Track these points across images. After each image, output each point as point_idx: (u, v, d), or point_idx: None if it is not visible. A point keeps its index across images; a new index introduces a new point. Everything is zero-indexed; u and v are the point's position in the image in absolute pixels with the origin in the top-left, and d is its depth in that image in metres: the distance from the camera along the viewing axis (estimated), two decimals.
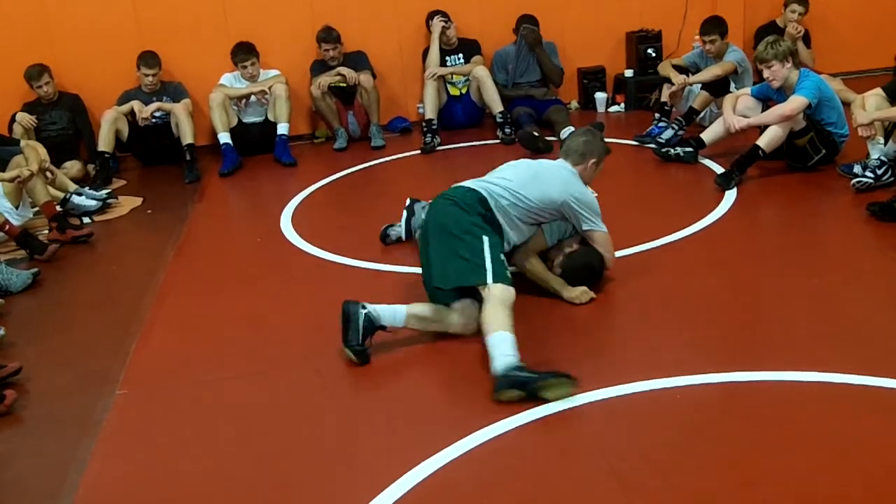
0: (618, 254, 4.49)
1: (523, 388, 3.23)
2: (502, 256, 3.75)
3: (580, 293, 4.07)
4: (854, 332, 3.62)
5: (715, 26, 6.59)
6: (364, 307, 3.71)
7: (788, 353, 3.50)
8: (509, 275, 3.70)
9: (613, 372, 3.41)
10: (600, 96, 7.92)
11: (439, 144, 7.06)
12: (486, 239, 3.72)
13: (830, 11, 8.10)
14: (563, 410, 3.17)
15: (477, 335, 3.61)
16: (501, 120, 7.13)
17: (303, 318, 4.31)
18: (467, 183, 4.05)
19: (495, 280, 3.59)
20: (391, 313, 3.77)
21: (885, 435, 2.93)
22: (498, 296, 3.54)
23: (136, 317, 4.33)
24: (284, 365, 3.77)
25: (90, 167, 7.03)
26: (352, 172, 6.67)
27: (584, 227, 4.09)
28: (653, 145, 6.41)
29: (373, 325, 3.72)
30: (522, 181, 4.02)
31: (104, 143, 6.89)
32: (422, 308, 3.83)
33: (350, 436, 3.20)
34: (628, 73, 7.92)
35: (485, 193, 3.93)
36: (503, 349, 3.33)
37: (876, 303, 3.91)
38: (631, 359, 3.58)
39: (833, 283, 4.09)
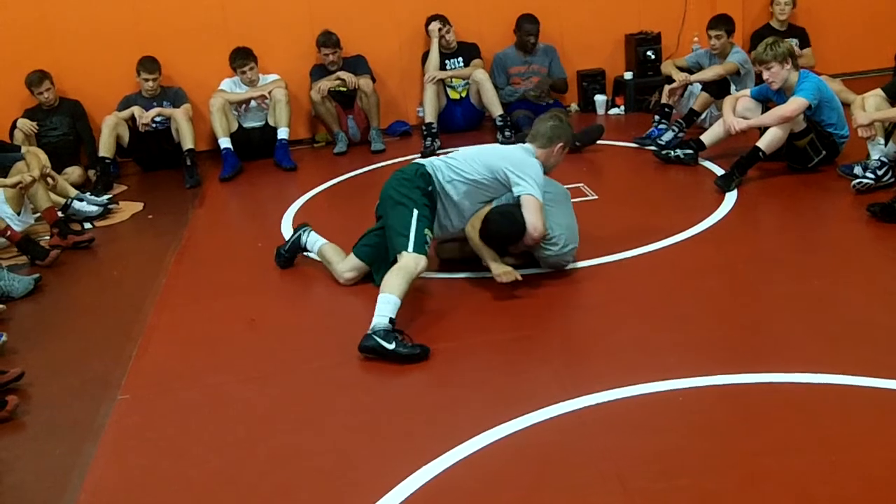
0: (621, 256, 4.55)
1: (375, 353, 3.66)
2: (426, 230, 4.10)
3: (504, 272, 4.15)
4: (855, 334, 3.62)
5: (722, 22, 6.62)
6: (305, 231, 4.74)
7: (790, 354, 3.50)
8: (427, 248, 4.08)
9: (615, 374, 3.40)
10: (600, 99, 7.92)
11: (439, 148, 7.06)
12: (416, 212, 4.11)
13: (829, 12, 8.10)
14: (566, 413, 3.17)
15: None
16: (501, 123, 7.13)
17: (304, 322, 4.34)
18: (419, 159, 4.45)
19: (413, 250, 3.99)
20: (314, 241, 4.69)
21: (886, 436, 2.92)
22: (404, 264, 3.94)
23: (137, 322, 4.33)
24: (286, 369, 3.78)
25: (91, 173, 7.04)
26: (352, 176, 6.68)
27: (517, 191, 4.17)
28: (653, 147, 6.41)
29: (299, 243, 4.73)
30: (466, 157, 4.36)
31: (105, 148, 6.90)
32: (329, 249, 4.60)
33: (353, 439, 3.20)
34: (628, 75, 7.92)
35: (429, 169, 4.30)
36: (383, 310, 3.74)
37: (877, 304, 3.90)
38: (632, 360, 3.57)
39: (834, 285, 4.10)
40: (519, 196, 4.17)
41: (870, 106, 5.30)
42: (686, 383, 3.31)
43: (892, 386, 3.16)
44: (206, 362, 3.90)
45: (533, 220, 4.10)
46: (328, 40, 7.30)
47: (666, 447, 2.96)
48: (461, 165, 4.33)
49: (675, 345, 3.66)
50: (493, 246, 4.29)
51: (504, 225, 4.18)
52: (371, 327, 3.70)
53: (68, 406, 3.62)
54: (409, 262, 3.96)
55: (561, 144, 4.43)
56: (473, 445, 3.02)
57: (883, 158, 5.19)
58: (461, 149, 4.50)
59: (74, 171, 6.87)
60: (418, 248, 4.02)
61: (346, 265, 4.48)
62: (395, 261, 4.04)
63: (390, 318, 3.74)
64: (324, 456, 3.12)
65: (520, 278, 4.15)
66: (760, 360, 3.46)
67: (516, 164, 4.23)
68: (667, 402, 3.23)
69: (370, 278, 4.43)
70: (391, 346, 3.63)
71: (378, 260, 4.38)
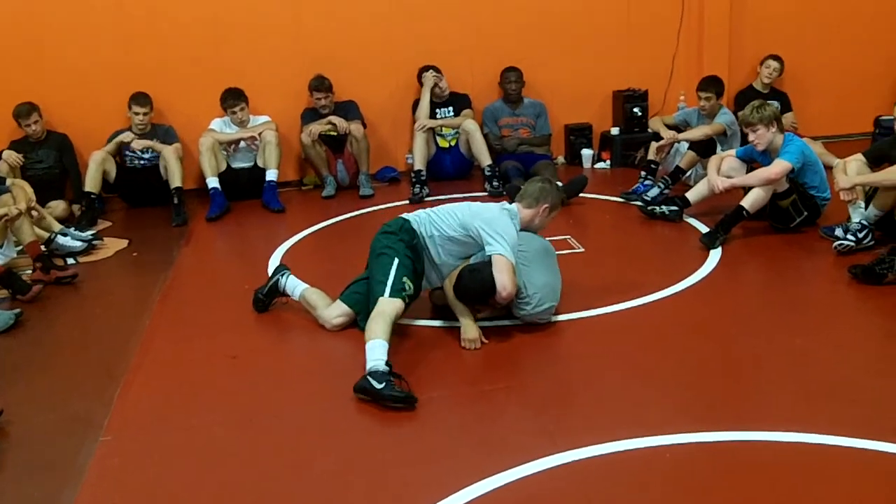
0: (608, 309, 4.58)
1: (366, 392, 3.70)
2: (404, 279, 4.18)
3: (470, 340, 4.21)
4: (837, 394, 3.65)
5: (712, 84, 6.77)
6: (284, 274, 4.73)
7: (773, 413, 3.52)
8: (406, 294, 4.17)
9: (603, 428, 3.40)
10: (586, 152, 8.02)
11: (428, 195, 7.10)
12: (396, 260, 4.22)
13: (811, 77, 8.30)
14: (556, 467, 3.16)
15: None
16: (490, 173, 7.20)
17: (288, 365, 4.32)
18: (405, 214, 4.51)
19: (389, 294, 4.09)
20: (294, 286, 4.68)
21: (867, 497, 2.94)
22: (381, 309, 4.03)
23: (120, 361, 4.29)
24: (271, 413, 3.75)
25: (75, 207, 7.01)
26: (340, 221, 6.70)
27: (488, 250, 4.21)
28: (639, 202, 6.49)
29: (277, 288, 4.71)
30: (446, 212, 4.43)
31: (91, 183, 6.89)
32: (312, 294, 4.60)
33: (339, 486, 3.17)
34: (614, 130, 8.05)
35: (413, 224, 4.42)
36: (374, 354, 3.81)
37: (860, 365, 3.94)
38: (619, 415, 3.57)
39: (816, 344, 4.14)
40: (490, 255, 4.21)
41: (851, 170, 5.40)
42: (672, 440, 3.31)
43: (873, 447, 3.18)
44: (190, 404, 3.86)
45: (502, 279, 4.12)
46: (321, 85, 7.37)
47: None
48: (440, 221, 4.41)
49: (660, 400, 3.68)
50: (467, 302, 4.33)
51: (475, 283, 4.23)
52: (367, 370, 3.76)
53: (49, 446, 3.55)
54: (386, 307, 4.05)
55: (546, 206, 4.50)
56: (463, 497, 3.00)
57: (864, 221, 5.28)
58: (446, 205, 4.53)
59: (59, 206, 6.84)
60: (394, 293, 4.11)
61: (335, 311, 4.48)
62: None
63: (386, 361, 3.78)
64: (314, 501, 3.09)
65: (485, 341, 4.23)
66: (744, 418, 3.47)
67: (488, 223, 4.25)
68: (653, 458, 3.22)
69: (356, 324, 4.44)
70: (380, 386, 3.67)
71: (366, 307, 4.38)
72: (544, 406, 3.72)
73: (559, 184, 6.79)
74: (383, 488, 3.15)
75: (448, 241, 4.39)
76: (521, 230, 4.46)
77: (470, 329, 4.25)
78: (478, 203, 4.50)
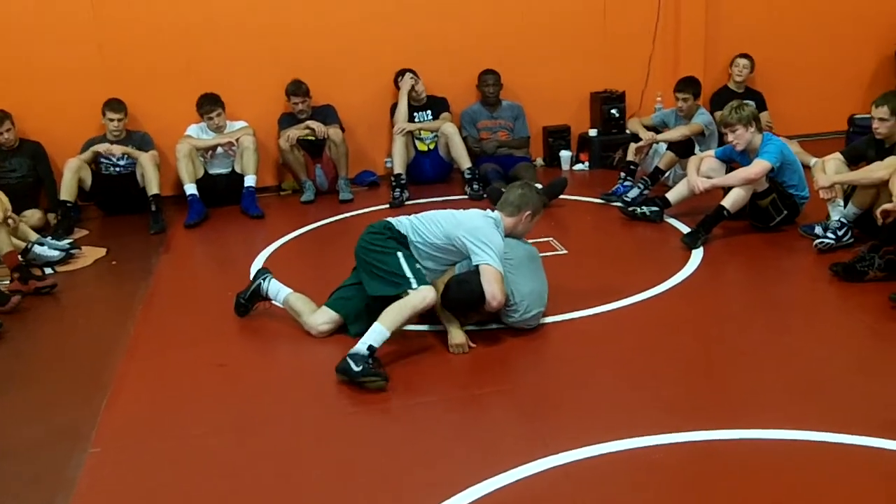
0: (594, 311, 4.59)
1: (347, 375, 3.81)
2: (418, 266, 4.22)
3: (457, 345, 4.21)
4: (827, 391, 3.69)
5: (689, 86, 6.81)
6: (266, 278, 4.68)
7: (764, 411, 3.54)
8: (428, 280, 4.19)
9: (594, 429, 3.41)
10: (565, 154, 8.05)
11: (408, 199, 7.09)
12: (399, 254, 4.23)
13: (786, 77, 8.38)
14: (550, 469, 3.17)
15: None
16: (469, 176, 7.20)
17: (277, 372, 4.30)
18: (389, 218, 4.52)
19: (418, 284, 4.10)
20: (276, 290, 4.64)
21: (858, 492, 2.98)
22: (409, 299, 4.06)
23: (105, 371, 4.24)
24: (265, 419, 3.72)
25: (51, 216, 6.92)
26: (320, 226, 6.67)
27: (475, 260, 4.21)
28: (619, 203, 6.52)
29: (259, 292, 4.66)
30: (430, 220, 4.41)
31: (67, 191, 6.80)
32: (296, 299, 4.55)
33: (336, 492, 3.15)
34: (592, 132, 8.08)
35: (397, 226, 4.41)
36: (367, 338, 3.91)
37: (846, 361, 4.00)
38: (609, 416, 3.59)
39: (803, 342, 4.19)
40: (477, 265, 4.21)
41: (830, 169, 5.47)
42: (663, 440, 3.32)
43: (863, 443, 3.22)
44: (180, 413, 3.82)
45: (492, 289, 4.13)
46: (298, 89, 7.33)
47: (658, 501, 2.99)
48: (423, 228, 4.40)
49: (649, 401, 3.69)
50: (455, 312, 4.33)
51: (463, 293, 4.22)
52: (350, 353, 3.87)
53: (37, 458, 3.50)
54: (416, 297, 4.08)
55: (528, 213, 4.49)
56: (458, 501, 2.99)
57: (843, 219, 5.34)
58: (430, 212, 4.51)
59: (34, 215, 6.74)
60: (422, 281, 4.14)
61: (322, 317, 4.46)
62: (381, 307, 4.12)
63: (370, 346, 3.88)
64: None
65: (472, 345, 4.23)
66: (734, 417, 3.49)
67: (472, 233, 4.24)
68: (645, 458, 3.23)
69: (344, 329, 4.42)
70: (357, 369, 3.80)
71: (353, 313, 4.39)
72: (535, 409, 3.73)
73: (539, 186, 6.82)
74: (378, 494, 3.14)
75: (432, 249, 4.38)
76: (506, 237, 4.45)
77: (457, 335, 4.25)
78: (461, 211, 4.48)
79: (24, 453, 3.56)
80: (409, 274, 4.16)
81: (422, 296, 4.08)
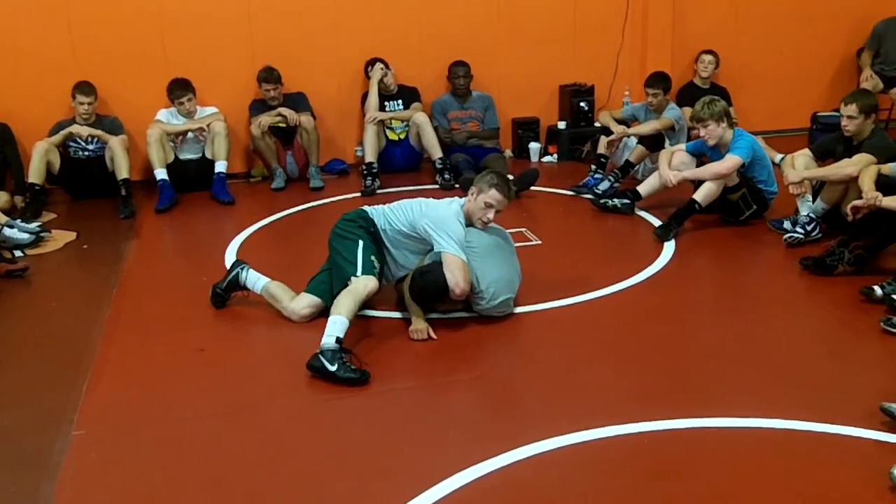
0: (571, 300, 4.67)
1: (319, 372, 3.82)
2: (372, 257, 4.32)
3: (418, 330, 4.27)
4: (800, 380, 3.80)
5: (660, 81, 6.90)
6: (243, 269, 4.68)
7: (739, 400, 3.62)
8: (376, 271, 4.30)
9: (577, 416, 3.48)
10: (534, 146, 8.12)
11: (379, 187, 7.10)
12: (361, 242, 4.35)
13: (750, 73, 8.55)
14: (538, 454, 3.22)
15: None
16: (441, 166, 7.23)
17: (259, 356, 4.33)
18: (365, 206, 4.64)
19: (361, 273, 4.21)
20: (255, 280, 4.65)
21: (833, 479, 3.08)
22: (353, 287, 4.15)
23: (84, 355, 4.21)
24: (247, 403, 3.74)
25: (18, 199, 6.81)
26: (292, 213, 6.65)
27: (436, 248, 4.30)
28: (590, 196, 6.60)
29: (237, 282, 4.66)
30: (399, 208, 4.52)
31: (35, 174, 6.69)
32: (275, 287, 4.58)
33: (326, 476, 3.18)
34: (561, 124, 8.15)
35: (370, 214, 4.53)
36: (331, 330, 3.92)
37: (818, 352, 4.12)
38: (590, 403, 3.65)
39: (776, 333, 4.30)
40: (438, 251, 4.27)
41: (799, 165, 5.60)
42: (639, 428, 3.39)
43: (836, 431, 3.33)
44: (162, 397, 3.81)
45: (454, 276, 4.18)
46: (270, 76, 7.30)
47: (626, 491, 3.05)
48: (392, 215, 4.50)
49: (625, 390, 3.77)
50: (422, 302, 4.37)
51: (427, 283, 4.27)
52: (320, 347, 3.87)
53: (20, 441, 3.47)
54: (359, 285, 4.17)
55: (474, 189, 4.47)
56: (450, 485, 3.04)
57: (812, 214, 5.48)
58: (403, 201, 4.59)
59: (1, 197, 6.63)
60: (366, 271, 4.25)
61: (303, 302, 4.47)
62: (344, 287, 4.20)
63: (337, 338, 3.90)
64: (300, 494, 3.08)
65: (434, 336, 4.27)
66: (710, 406, 3.57)
67: (434, 221, 4.31)
68: (623, 446, 3.30)
69: (325, 313, 4.43)
70: (333, 368, 3.79)
71: (334, 295, 4.38)
72: (518, 395, 3.79)
73: (510, 176, 6.87)
74: (372, 478, 3.17)
75: (399, 235, 4.47)
76: (471, 224, 4.49)
77: (418, 322, 4.33)
78: (430, 200, 4.52)
79: (10, 437, 3.53)
80: (358, 262, 4.27)
81: (363, 283, 4.18)
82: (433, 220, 4.31)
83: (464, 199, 4.55)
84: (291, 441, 3.44)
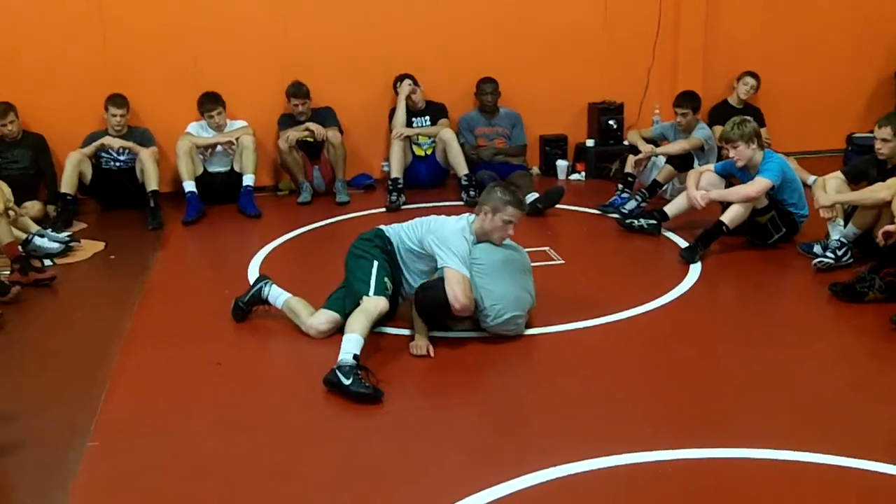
0: (591, 322, 4.62)
1: (334, 386, 3.83)
2: (385, 279, 4.35)
3: (417, 346, 4.28)
4: (823, 412, 3.70)
5: (688, 100, 6.84)
6: (266, 283, 4.72)
7: (760, 430, 3.53)
8: (388, 292, 4.33)
9: (594, 442, 3.42)
10: (561, 164, 8.08)
11: (404, 203, 7.10)
12: (376, 263, 4.38)
13: (784, 94, 8.45)
14: (552, 480, 3.17)
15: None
16: (466, 182, 7.22)
17: (275, 371, 4.33)
18: (382, 226, 4.68)
19: (373, 293, 4.24)
20: (277, 295, 4.68)
21: None
22: (365, 306, 4.19)
23: (103, 365, 4.23)
24: (260, 419, 3.73)
25: (50, 208, 6.91)
26: (316, 227, 6.67)
27: (439, 264, 4.31)
28: (616, 215, 6.54)
29: (260, 296, 4.69)
30: (413, 225, 4.56)
31: (67, 184, 6.79)
32: (296, 302, 4.61)
33: (334, 494, 3.16)
34: (589, 142, 8.11)
35: (387, 232, 4.58)
36: (347, 347, 3.95)
37: (843, 382, 4.01)
38: (608, 429, 3.58)
39: (800, 361, 4.20)
40: (441, 267, 4.28)
41: (831, 188, 5.50)
42: (655, 457, 3.31)
43: (858, 465, 3.23)
44: (177, 410, 3.82)
45: (453, 291, 4.17)
46: (299, 91, 7.34)
47: None
48: (404, 233, 4.55)
49: (644, 416, 3.70)
50: (427, 319, 4.36)
51: (427, 299, 4.28)
52: (337, 362, 3.88)
53: (35, 450, 3.49)
54: (370, 305, 4.20)
55: (486, 209, 4.40)
56: None
57: (842, 239, 5.37)
58: (418, 218, 4.62)
59: (34, 206, 6.73)
60: (378, 292, 4.27)
61: (321, 318, 4.48)
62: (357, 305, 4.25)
63: (354, 355, 3.92)
64: None
65: (432, 354, 4.26)
66: (729, 435, 3.49)
67: (440, 238, 4.33)
68: (638, 475, 3.23)
69: (342, 330, 4.42)
70: (347, 382, 3.80)
71: (347, 313, 4.37)
72: (530, 419, 3.74)
73: (535, 194, 6.85)
74: (372, 500, 3.13)
75: (409, 253, 4.51)
76: (482, 241, 4.45)
77: (420, 338, 4.33)
78: (440, 217, 4.54)
79: (26, 445, 3.54)
80: (371, 282, 4.30)
81: (374, 303, 4.21)
82: (438, 237, 4.34)
83: (472, 216, 4.51)
84: (298, 458, 3.42)
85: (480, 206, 4.45)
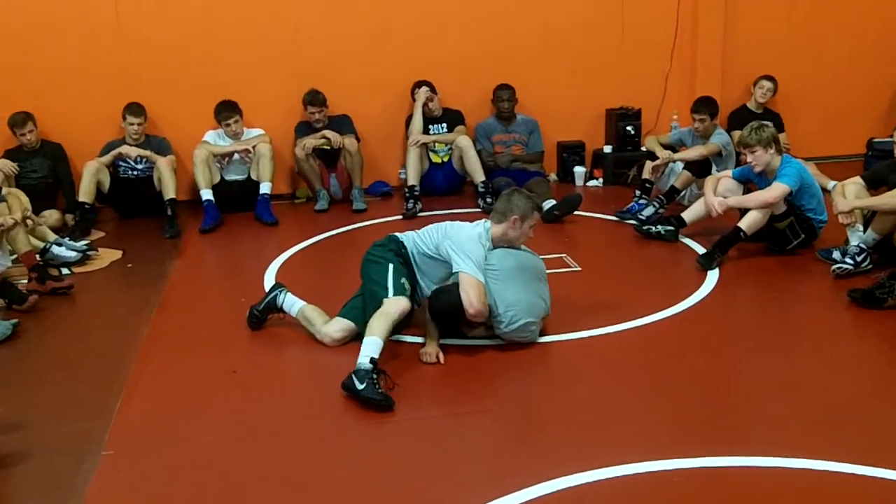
0: (608, 329, 4.59)
1: (349, 390, 3.85)
2: (403, 279, 4.35)
3: (427, 353, 4.28)
4: (842, 420, 3.65)
5: (706, 106, 6.79)
6: (281, 291, 4.72)
7: (778, 438, 3.50)
8: (408, 292, 4.32)
9: (609, 450, 3.39)
10: (579, 170, 8.05)
11: (421, 210, 7.10)
12: (391, 266, 4.38)
13: (803, 98, 8.38)
14: (565, 489, 3.15)
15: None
16: (483, 189, 7.20)
17: (290, 379, 4.33)
18: (396, 233, 4.67)
19: (393, 294, 4.25)
20: (291, 303, 4.68)
21: None
22: (385, 308, 4.19)
23: (119, 374, 4.25)
24: (276, 427, 3.73)
25: (68, 217, 6.96)
26: (333, 235, 6.68)
27: (455, 268, 4.30)
28: (633, 222, 6.50)
29: (275, 304, 4.69)
30: (428, 231, 4.55)
31: (85, 193, 6.84)
32: (310, 310, 4.60)
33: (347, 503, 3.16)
34: (607, 148, 8.08)
35: (401, 238, 4.57)
36: (366, 350, 3.97)
37: (862, 390, 3.96)
38: (624, 437, 3.56)
39: (819, 369, 4.15)
40: (456, 272, 4.28)
41: (850, 193, 5.44)
42: (673, 465, 3.29)
43: (878, 474, 3.18)
44: (192, 419, 3.82)
45: (467, 296, 4.17)
46: (315, 99, 7.36)
47: None
48: (420, 239, 4.54)
49: (664, 423, 3.67)
50: (441, 323, 4.37)
51: (440, 304, 4.28)
52: (355, 368, 3.89)
53: (49, 459, 3.50)
54: (391, 306, 4.20)
55: (515, 217, 4.41)
56: None
57: (862, 245, 5.31)
58: (433, 224, 4.63)
59: (52, 215, 6.79)
60: (397, 292, 4.28)
61: (336, 326, 4.47)
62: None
63: (371, 358, 3.93)
64: None
65: (442, 361, 4.25)
66: (747, 443, 3.45)
67: (456, 243, 4.33)
68: (657, 483, 3.20)
69: (358, 338, 4.42)
70: (360, 387, 3.82)
71: (367, 320, 4.36)
72: (546, 427, 3.72)
73: (553, 201, 6.83)
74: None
75: (424, 258, 4.50)
76: (499, 246, 4.46)
77: (430, 344, 4.34)
78: (456, 223, 4.55)
79: (40, 454, 3.55)
80: (389, 284, 4.29)
81: (394, 304, 4.21)
82: (454, 242, 4.35)
83: (489, 222, 4.51)
84: (313, 467, 3.42)
85: (505, 215, 4.43)
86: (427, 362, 4.25)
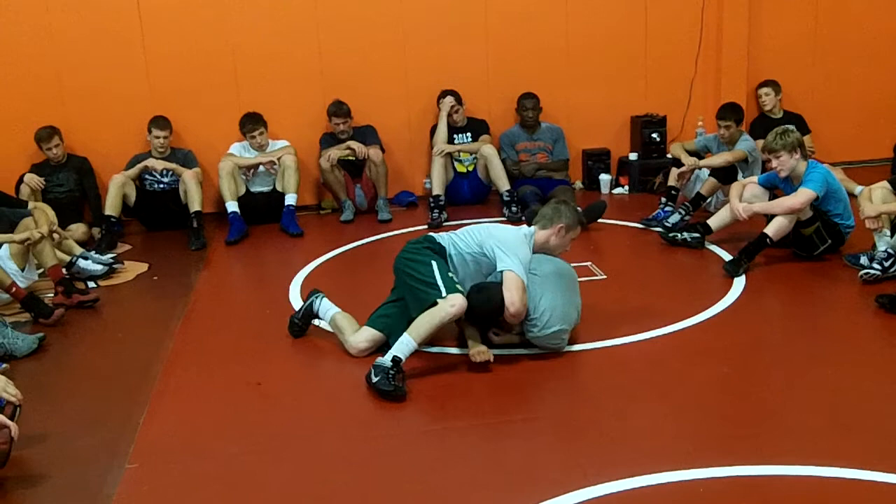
0: (634, 338, 4.55)
1: (368, 384, 3.97)
2: (450, 273, 4.28)
3: (478, 352, 4.24)
4: (873, 427, 3.59)
5: (731, 112, 6.74)
6: (318, 297, 4.73)
7: (809, 446, 3.45)
8: (459, 288, 4.21)
9: (635, 460, 3.37)
10: (604, 178, 8.01)
11: (446, 220, 7.09)
12: (434, 262, 4.29)
13: (829, 101, 8.29)
14: (589, 500, 3.12)
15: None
16: (508, 198, 7.19)
17: (315, 391, 4.31)
18: (430, 233, 4.67)
19: (447, 292, 4.14)
20: (326, 308, 4.68)
21: None
22: (437, 309, 4.11)
23: (144, 386, 4.27)
24: (298, 442, 3.71)
25: (95, 230, 7.03)
26: (359, 245, 6.69)
27: (499, 266, 4.27)
28: (659, 229, 6.46)
29: (312, 310, 4.71)
30: (467, 232, 4.54)
31: (111, 206, 6.90)
32: (342, 318, 4.59)
33: None
34: (633, 156, 8.03)
35: (437, 238, 4.52)
36: (397, 349, 4.03)
37: (889, 396, 3.89)
38: (649, 447, 3.53)
39: (848, 375, 4.09)
40: (501, 272, 4.25)
41: (877, 198, 5.38)
42: (705, 474, 3.26)
43: None
44: (216, 432, 3.83)
45: (510, 295, 4.15)
46: (339, 110, 7.39)
47: None
48: (460, 240, 4.51)
49: (690, 432, 3.64)
50: (476, 322, 4.36)
51: (480, 301, 4.24)
52: (377, 363, 4.02)
53: (74, 471, 3.53)
54: (446, 305, 4.12)
55: (561, 226, 4.50)
56: None
57: (889, 250, 5.23)
58: (467, 227, 4.62)
59: (79, 229, 6.86)
60: (451, 290, 4.17)
61: (361, 336, 4.47)
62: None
63: (395, 357, 3.99)
64: None
65: (491, 359, 4.23)
66: (778, 452, 3.41)
67: (503, 241, 4.33)
68: (687, 492, 3.18)
69: (385, 347, 4.41)
70: (375, 380, 3.95)
71: (396, 330, 4.36)
72: (573, 438, 3.68)
73: (578, 209, 6.78)
74: None
75: (464, 260, 4.46)
76: (538, 252, 4.48)
77: (476, 344, 4.31)
78: (498, 225, 4.59)
79: (65, 467, 3.58)
80: (439, 282, 4.21)
81: (451, 302, 4.12)
82: (501, 241, 4.34)
83: (529, 228, 4.54)
84: (339, 480, 3.41)
85: (552, 221, 4.51)
86: (480, 361, 4.22)
